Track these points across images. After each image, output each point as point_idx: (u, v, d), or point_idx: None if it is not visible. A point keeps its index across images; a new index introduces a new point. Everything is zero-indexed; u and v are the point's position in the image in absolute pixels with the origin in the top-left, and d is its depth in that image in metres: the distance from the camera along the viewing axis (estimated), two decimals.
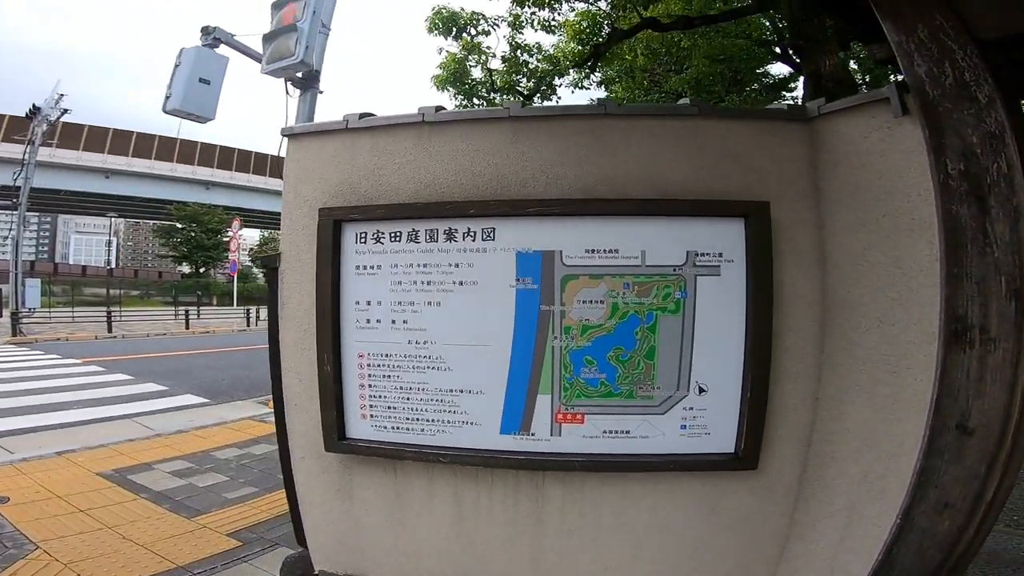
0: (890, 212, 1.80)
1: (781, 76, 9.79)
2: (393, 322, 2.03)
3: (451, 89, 9.28)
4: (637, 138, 1.96)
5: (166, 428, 5.87)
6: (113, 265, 56.71)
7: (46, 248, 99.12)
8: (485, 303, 1.96)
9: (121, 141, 41.39)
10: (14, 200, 16.47)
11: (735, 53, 7.59)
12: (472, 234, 1.95)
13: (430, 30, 8.75)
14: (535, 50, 9.13)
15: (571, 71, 8.99)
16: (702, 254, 1.90)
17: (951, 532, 1.61)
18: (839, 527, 1.89)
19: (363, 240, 2.05)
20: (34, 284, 17.94)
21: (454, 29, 8.62)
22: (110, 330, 17.23)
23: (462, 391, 2.01)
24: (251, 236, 61.97)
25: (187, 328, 18.84)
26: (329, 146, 2.17)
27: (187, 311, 20.62)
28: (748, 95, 8.71)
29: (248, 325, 20.54)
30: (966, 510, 1.60)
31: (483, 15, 8.62)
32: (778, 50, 8.30)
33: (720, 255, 1.90)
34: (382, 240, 2.03)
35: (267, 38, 5.72)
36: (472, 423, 2.02)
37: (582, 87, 9.46)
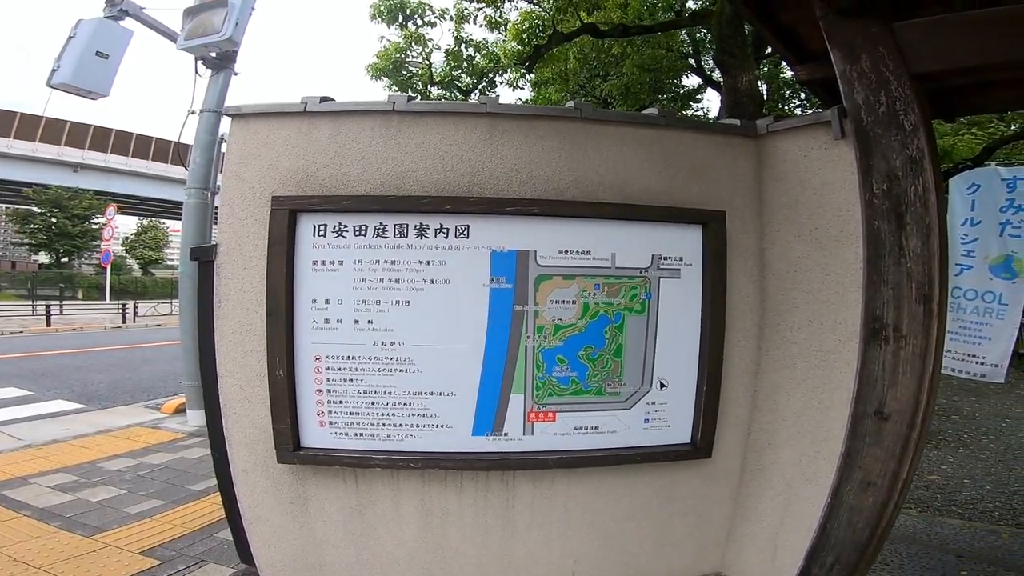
0: (822, 225, 2.03)
1: (691, 87, 10.56)
2: (356, 322, 1.92)
3: (387, 79, 9.04)
4: (608, 143, 2.03)
5: (37, 438, 5.20)
6: None
7: None
8: (457, 302, 1.92)
9: None
10: None
11: (664, 64, 8.08)
12: (445, 231, 1.91)
13: (374, 16, 8.48)
14: (482, 45, 9.14)
15: (508, 70, 9.09)
16: (665, 258, 2.02)
17: (875, 507, 1.84)
18: (779, 507, 2.10)
19: (322, 233, 1.91)
20: None
21: (400, 17, 8.39)
22: None
23: (432, 393, 1.95)
24: (127, 224, 55.65)
25: (48, 325, 16.36)
26: (282, 130, 2.00)
27: (48, 306, 17.89)
28: (663, 104, 9.32)
29: (124, 322, 18.34)
30: (886, 487, 1.83)
31: (430, 6, 8.48)
32: (692, 62, 8.96)
33: (681, 259, 2.03)
34: (344, 234, 1.91)
35: (189, 12, 5.31)
36: (443, 426, 1.97)
37: (517, 87, 9.65)
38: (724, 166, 2.12)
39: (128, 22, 5.43)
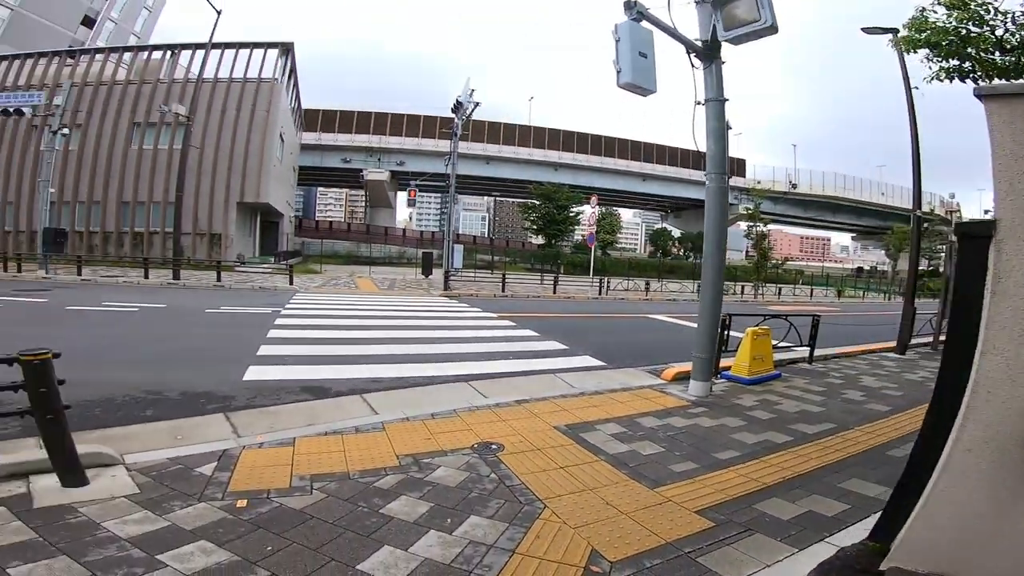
0: None
1: None
2: None
3: (924, 51, 7.71)
4: None
5: (584, 387, 6.14)
6: (487, 237, 69.78)
7: (446, 221, 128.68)
8: None
9: (493, 130, 50.81)
10: (446, 182, 21.69)
11: None
12: None
13: None
14: None
15: None
16: None
17: None
18: None
19: None
20: (459, 249, 23.52)
21: None
22: (503, 290, 20.86)
23: None
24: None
25: (554, 293, 21.42)
26: None
27: (555, 278, 23.59)
28: None
29: (599, 294, 22.26)
30: None
31: None
32: None
33: None
34: None
35: (718, 4, 5.46)
36: None
37: None
38: None
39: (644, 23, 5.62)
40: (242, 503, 3.02)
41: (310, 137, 46.93)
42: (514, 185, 56.45)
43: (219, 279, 18.77)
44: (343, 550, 2.58)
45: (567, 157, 53.30)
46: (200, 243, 26.71)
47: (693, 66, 5.84)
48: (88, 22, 43.09)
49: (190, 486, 3.20)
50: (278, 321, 10.22)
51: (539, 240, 55.25)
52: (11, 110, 19.33)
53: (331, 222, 74.09)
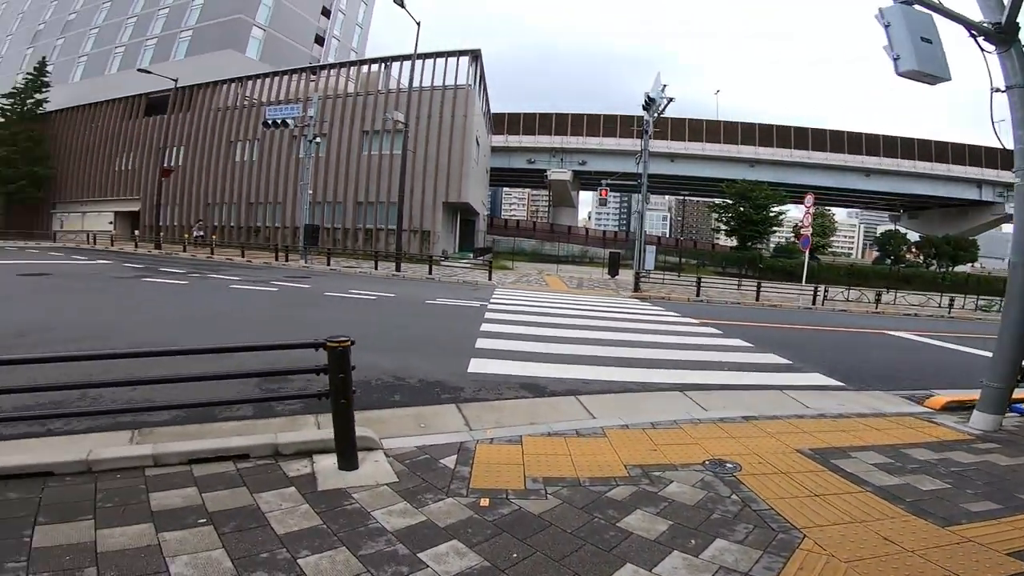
0: None
1: None
2: None
3: None
4: None
5: (823, 408, 5.57)
6: (671, 238, 67.02)
7: (625, 221, 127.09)
8: None
9: (677, 127, 48.31)
10: (636, 181, 21.20)
11: None
12: None
13: None
14: None
15: None
16: None
17: None
18: None
19: None
20: (651, 250, 22.94)
21: None
22: (698, 294, 19.58)
23: None
24: (796, 211, 61.01)
25: (756, 300, 19.29)
26: None
27: (758, 283, 21.22)
28: None
29: (813, 304, 19.40)
30: None
31: None
32: None
33: None
34: None
35: None
36: None
37: None
38: None
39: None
40: (484, 502, 3.11)
41: (498, 139, 49.77)
42: (702, 183, 52.95)
43: (430, 272, 20.93)
44: (585, 564, 2.52)
45: (765, 152, 48.25)
46: (413, 239, 30.29)
47: (983, 50, 5.21)
48: (319, 40, 52.07)
49: (437, 478, 3.37)
50: (487, 315, 10.95)
51: (730, 242, 50.98)
52: (279, 122, 24.11)
53: (518, 220, 78.29)
